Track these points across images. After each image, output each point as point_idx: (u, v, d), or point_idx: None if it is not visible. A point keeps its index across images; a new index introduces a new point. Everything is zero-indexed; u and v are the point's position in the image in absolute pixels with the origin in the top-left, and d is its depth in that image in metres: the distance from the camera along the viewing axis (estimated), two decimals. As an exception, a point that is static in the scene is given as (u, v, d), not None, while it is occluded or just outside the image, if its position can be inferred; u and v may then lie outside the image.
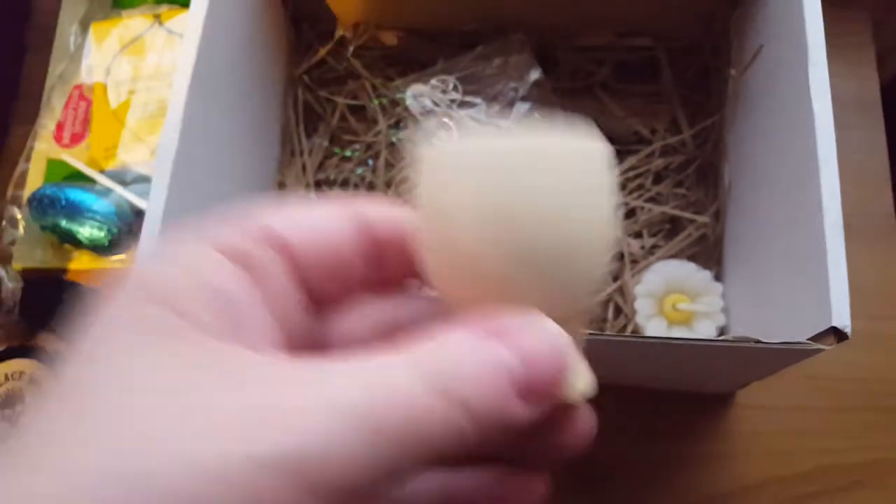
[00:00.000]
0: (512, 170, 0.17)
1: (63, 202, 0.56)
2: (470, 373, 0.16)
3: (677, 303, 0.49)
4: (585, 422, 0.20)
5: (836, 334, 0.33)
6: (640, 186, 0.55)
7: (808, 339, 0.33)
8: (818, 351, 0.33)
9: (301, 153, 0.58)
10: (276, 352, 0.18)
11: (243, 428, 0.14)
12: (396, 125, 0.59)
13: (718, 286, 0.49)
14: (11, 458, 0.14)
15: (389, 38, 0.59)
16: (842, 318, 0.33)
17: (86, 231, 0.56)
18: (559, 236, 0.18)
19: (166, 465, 0.13)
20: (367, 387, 0.15)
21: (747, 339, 0.34)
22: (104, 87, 0.62)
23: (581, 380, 0.19)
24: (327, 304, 0.21)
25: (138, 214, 0.57)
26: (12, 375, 0.48)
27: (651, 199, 0.55)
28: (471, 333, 0.17)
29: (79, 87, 0.63)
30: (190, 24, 0.42)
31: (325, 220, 0.20)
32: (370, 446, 0.14)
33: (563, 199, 0.18)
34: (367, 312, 0.22)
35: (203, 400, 0.14)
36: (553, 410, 0.18)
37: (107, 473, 0.13)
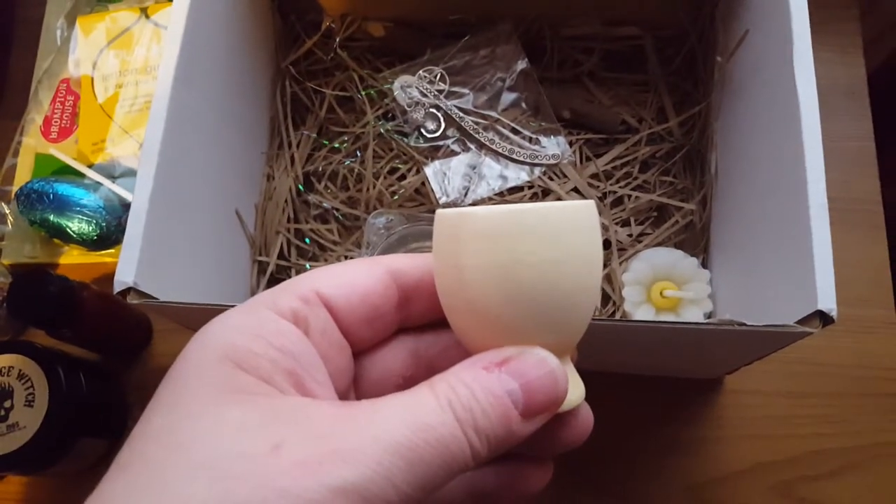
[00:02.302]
0: (513, 234, 0.21)
1: (51, 197, 0.56)
2: (483, 405, 0.20)
3: (665, 290, 0.49)
4: (584, 419, 0.24)
5: (822, 318, 0.33)
6: (628, 175, 0.56)
7: (794, 323, 0.34)
8: (804, 334, 0.34)
9: (289, 145, 0.58)
10: (332, 397, 0.22)
11: (317, 465, 0.18)
12: (384, 116, 0.59)
13: (706, 273, 0.50)
14: (122, 488, 0.18)
15: (376, 29, 0.59)
16: (827, 301, 0.33)
17: (74, 226, 0.56)
18: (556, 286, 0.21)
19: (260, 494, 0.17)
20: (410, 426, 0.19)
21: (733, 322, 0.34)
22: (91, 81, 0.62)
23: (575, 391, 0.22)
24: (365, 346, 0.25)
25: (127, 208, 0.57)
26: (1, 371, 0.48)
27: (638, 188, 0.55)
28: (483, 369, 0.21)
29: (66, 80, 0.63)
30: (174, 16, 0.42)
31: (360, 277, 0.24)
32: (415, 474, 0.18)
33: (558, 254, 0.21)
34: (395, 353, 0.25)
35: (280, 442, 0.18)
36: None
37: (201, 498, 0.17)
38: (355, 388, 0.25)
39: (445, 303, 0.23)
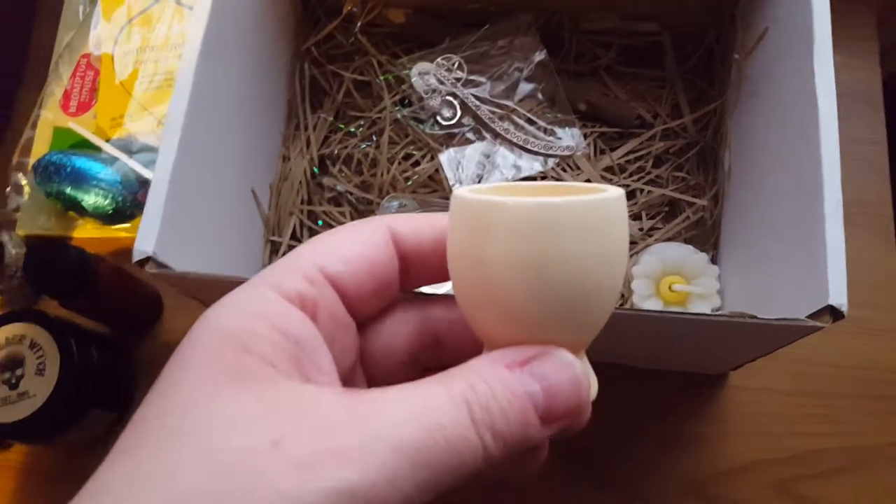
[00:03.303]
0: (545, 229, 0.19)
1: (68, 170, 0.56)
2: (503, 405, 0.19)
3: (674, 284, 0.49)
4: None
5: (833, 313, 0.34)
6: (641, 169, 0.56)
7: (805, 317, 0.34)
8: (814, 329, 0.34)
9: (306, 127, 0.59)
10: (336, 382, 0.21)
11: (318, 465, 0.17)
12: (401, 102, 0.59)
13: (715, 268, 0.50)
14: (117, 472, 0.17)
15: (397, 16, 0.60)
16: (838, 296, 0.33)
17: (90, 199, 0.56)
18: (584, 283, 0.20)
19: (257, 494, 0.16)
20: (419, 425, 0.18)
21: (744, 315, 0.34)
22: (111, 59, 0.62)
23: (591, 387, 0.21)
24: (370, 316, 0.24)
25: (143, 184, 0.58)
26: (13, 339, 0.48)
27: (651, 182, 0.56)
28: (503, 366, 0.19)
29: (87, 55, 0.63)
30: (201, -8, 0.42)
31: (365, 248, 0.23)
32: (421, 477, 0.17)
33: (589, 249, 0.20)
34: (400, 325, 0.24)
35: (280, 437, 0.17)
36: None
37: (197, 494, 0.16)
38: (361, 364, 0.24)
39: (462, 292, 0.21)
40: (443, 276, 0.23)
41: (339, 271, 0.22)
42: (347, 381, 0.23)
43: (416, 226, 0.23)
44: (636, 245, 0.53)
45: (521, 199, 0.20)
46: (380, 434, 0.17)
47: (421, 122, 0.58)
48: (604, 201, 0.20)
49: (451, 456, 0.18)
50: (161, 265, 0.37)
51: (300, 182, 0.57)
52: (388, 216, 0.24)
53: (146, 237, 0.37)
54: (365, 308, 0.23)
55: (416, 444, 0.17)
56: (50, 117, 0.62)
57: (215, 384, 0.18)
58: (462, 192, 0.21)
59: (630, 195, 0.56)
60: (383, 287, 0.23)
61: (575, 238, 0.19)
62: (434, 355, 0.25)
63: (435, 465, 0.17)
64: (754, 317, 0.34)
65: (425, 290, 0.26)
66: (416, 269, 0.24)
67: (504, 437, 0.18)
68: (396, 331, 0.24)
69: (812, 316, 0.34)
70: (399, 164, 0.57)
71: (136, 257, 0.37)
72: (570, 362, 0.20)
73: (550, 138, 0.57)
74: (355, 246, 0.22)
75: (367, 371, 0.24)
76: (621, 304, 0.51)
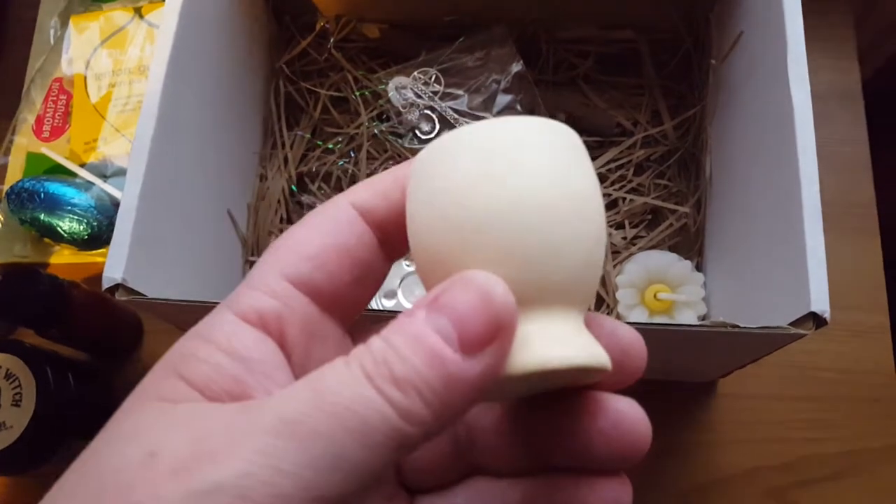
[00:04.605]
0: (453, 153, 0.18)
1: (42, 196, 0.55)
2: (402, 353, 0.16)
3: (659, 292, 0.49)
4: (627, 414, 0.20)
5: (815, 320, 0.33)
6: (622, 178, 0.56)
7: (787, 325, 0.33)
8: (797, 336, 0.34)
9: (283, 145, 0.58)
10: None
11: (187, 470, 0.15)
12: (379, 117, 0.59)
13: (699, 276, 0.49)
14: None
15: (371, 31, 0.59)
16: (820, 303, 0.33)
17: (65, 225, 0.55)
18: (506, 208, 0.17)
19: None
20: (305, 397, 0.16)
21: (726, 324, 0.34)
22: (84, 79, 0.61)
23: (582, 351, 0.18)
24: (363, 304, 0.22)
25: (118, 208, 0.57)
26: (-10, 370, 0.47)
27: (632, 190, 0.55)
28: (405, 317, 0.17)
29: (59, 80, 0.62)
30: (166, 13, 0.42)
31: (329, 238, 0.20)
32: (312, 453, 0.15)
33: (502, 169, 0.18)
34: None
35: (157, 450, 0.16)
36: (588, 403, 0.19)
37: None
38: None
39: (415, 263, 0.20)
40: None
41: (305, 273, 0.20)
42: None
43: (380, 189, 0.21)
44: (620, 254, 0.53)
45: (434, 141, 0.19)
46: (256, 423, 0.16)
47: (399, 136, 0.57)
48: (516, 121, 0.19)
49: (347, 421, 0.15)
50: (132, 292, 0.37)
51: (279, 201, 0.56)
52: (348, 190, 0.21)
53: (115, 264, 0.36)
54: (351, 298, 0.21)
55: (296, 419, 0.15)
56: (23, 143, 0.61)
57: (137, 410, 0.18)
58: None
59: (612, 204, 0.55)
60: (363, 271, 0.21)
61: (476, 158, 0.18)
62: None
63: (327, 437, 0.15)
64: (737, 326, 0.34)
65: None
66: (399, 232, 0.21)
67: (415, 383, 0.16)
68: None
69: (795, 323, 0.33)
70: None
71: (106, 284, 0.36)
72: (472, 276, 0.17)
73: (530, 149, 0.56)
74: (319, 237, 0.20)
75: None
76: (605, 314, 0.51)
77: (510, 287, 0.17)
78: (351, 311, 0.22)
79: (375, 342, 0.17)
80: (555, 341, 0.18)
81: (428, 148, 0.19)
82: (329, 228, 0.20)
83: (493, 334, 0.16)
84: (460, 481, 0.22)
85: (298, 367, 0.20)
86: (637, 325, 0.36)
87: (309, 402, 0.16)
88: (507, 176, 0.18)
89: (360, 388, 0.16)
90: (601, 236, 0.19)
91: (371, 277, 0.21)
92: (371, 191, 0.21)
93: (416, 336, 0.16)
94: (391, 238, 0.21)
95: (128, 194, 0.38)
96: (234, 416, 0.16)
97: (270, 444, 0.15)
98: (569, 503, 0.20)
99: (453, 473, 0.22)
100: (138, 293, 0.37)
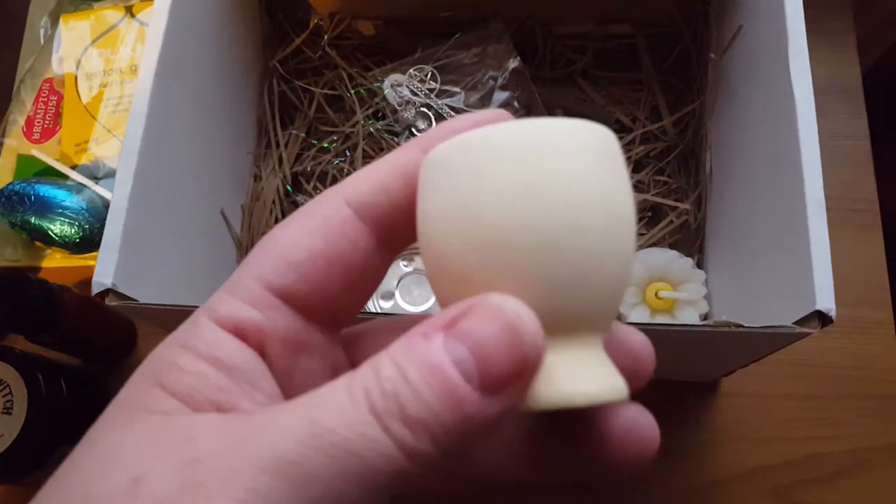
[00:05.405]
0: (476, 161, 0.16)
1: (33, 198, 0.54)
2: (416, 386, 0.15)
3: (660, 291, 0.48)
4: (636, 426, 0.19)
5: (821, 318, 0.32)
6: (622, 174, 0.55)
7: (792, 324, 0.33)
8: (802, 335, 0.33)
9: (277, 145, 0.57)
10: (259, 408, 0.18)
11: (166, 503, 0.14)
12: (374, 115, 0.58)
13: (701, 273, 0.49)
14: None
15: (366, 28, 0.58)
16: (826, 301, 0.32)
17: (56, 228, 0.54)
18: (531, 223, 0.16)
19: None
20: (302, 435, 0.14)
21: (730, 324, 0.33)
22: (74, 79, 0.61)
23: (603, 382, 0.17)
24: (354, 312, 0.20)
25: (111, 210, 0.56)
26: (-19, 377, 0.46)
27: (632, 187, 0.54)
28: (420, 337, 0.15)
29: (49, 80, 0.62)
30: (156, 10, 0.41)
31: (317, 240, 0.18)
32: (307, 496, 0.14)
33: (532, 178, 0.16)
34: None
35: (142, 475, 0.15)
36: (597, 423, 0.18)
37: None
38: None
39: (424, 262, 0.18)
40: None
41: (289, 282, 0.18)
42: None
43: (379, 181, 0.19)
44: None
45: (445, 143, 0.17)
46: (251, 456, 0.14)
47: (395, 134, 0.56)
48: (551, 126, 0.16)
49: (349, 463, 0.14)
50: (123, 297, 0.36)
51: (273, 201, 0.56)
52: (343, 183, 0.19)
53: (104, 269, 0.35)
54: (342, 306, 0.19)
55: (295, 458, 0.14)
56: (13, 145, 0.60)
57: (120, 423, 0.17)
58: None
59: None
60: (357, 278, 0.19)
61: (504, 166, 0.16)
62: None
63: (328, 479, 0.14)
64: (741, 325, 0.33)
65: None
66: (402, 228, 0.19)
67: (427, 424, 0.14)
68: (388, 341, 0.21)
69: (800, 322, 0.33)
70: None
71: (96, 289, 0.35)
72: (500, 305, 0.15)
73: (528, 146, 0.56)
74: (307, 241, 0.18)
75: None
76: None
77: (534, 313, 0.15)
78: (342, 318, 0.20)
79: (385, 367, 0.15)
80: (578, 376, 0.16)
81: (448, 146, 0.17)
82: (320, 231, 0.18)
83: (517, 375, 0.15)
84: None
85: (282, 378, 0.18)
86: (640, 326, 0.35)
87: (306, 440, 0.14)
88: (541, 190, 0.16)
89: (365, 427, 0.14)
90: (633, 257, 0.18)
91: (367, 281, 0.20)
92: (368, 183, 0.19)
93: (433, 366, 0.15)
94: (393, 235, 0.19)
95: (117, 197, 0.37)
96: (224, 441, 0.15)
97: (265, 485, 0.14)
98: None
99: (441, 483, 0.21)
100: (129, 298, 0.36)
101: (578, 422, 0.19)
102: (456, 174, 0.17)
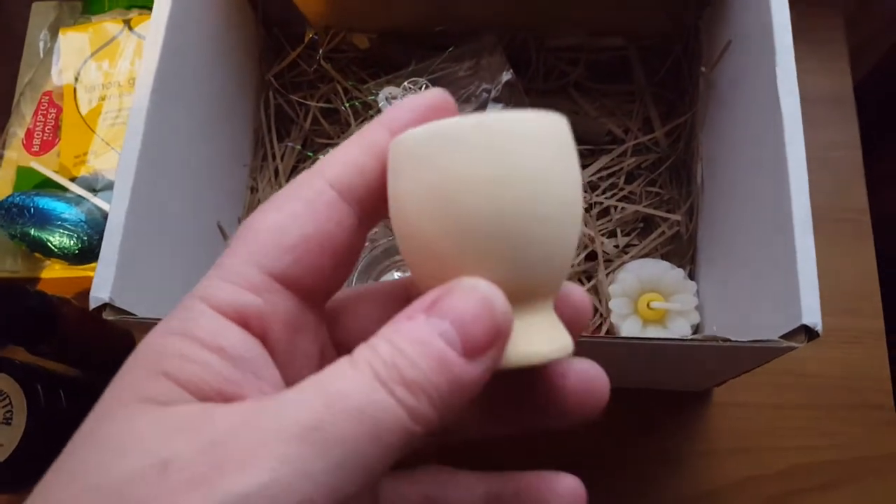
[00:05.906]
0: (447, 149, 0.18)
1: (32, 211, 0.55)
2: (411, 355, 0.17)
3: (652, 301, 0.49)
4: (587, 376, 0.22)
5: (807, 332, 0.33)
6: (613, 185, 0.55)
7: (779, 338, 0.33)
8: (789, 349, 0.33)
9: (273, 157, 0.58)
10: (267, 394, 0.19)
11: (208, 480, 0.15)
12: (369, 128, 0.58)
13: (692, 284, 0.49)
14: None
15: (361, 41, 0.59)
16: (812, 315, 0.33)
17: (56, 239, 0.55)
18: (502, 209, 0.18)
19: None
20: (319, 403, 0.16)
21: (717, 338, 0.34)
22: (73, 90, 0.61)
23: (554, 343, 0.19)
24: (336, 287, 0.22)
25: (109, 222, 0.56)
26: (-20, 388, 0.47)
27: (624, 198, 0.55)
28: (406, 319, 0.18)
29: (48, 93, 0.62)
30: (153, 25, 0.42)
31: (309, 223, 0.19)
32: (334, 459, 0.15)
33: (502, 171, 0.18)
34: (370, 310, 0.23)
35: (170, 458, 0.15)
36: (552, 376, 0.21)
37: None
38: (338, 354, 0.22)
39: (399, 244, 0.20)
40: None
41: (286, 266, 0.19)
42: None
43: (353, 162, 0.20)
44: (612, 263, 0.53)
45: (417, 128, 0.19)
46: (277, 429, 0.16)
47: (390, 146, 0.57)
48: (519, 118, 0.18)
49: (363, 425, 0.16)
50: (120, 311, 0.36)
51: (270, 213, 0.56)
52: (318, 166, 0.20)
53: (102, 284, 0.36)
54: (331, 284, 0.21)
55: (316, 424, 0.16)
56: (13, 157, 0.60)
57: (122, 412, 0.17)
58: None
59: (604, 212, 0.55)
60: (343, 257, 0.20)
61: (481, 157, 0.18)
62: None
63: (348, 440, 0.16)
64: (728, 340, 0.33)
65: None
66: (378, 202, 0.21)
67: (423, 386, 0.17)
68: (367, 315, 0.23)
69: (786, 336, 0.33)
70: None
71: (93, 304, 0.36)
72: (473, 285, 0.18)
73: (522, 158, 0.56)
74: (298, 227, 0.19)
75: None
76: (599, 325, 0.51)
77: (501, 288, 0.18)
78: (328, 295, 0.21)
79: (382, 345, 0.17)
80: (536, 339, 0.19)
81: (420, 133, 0.19)
82: (308, 216, 0.20)
83: (493, 340, 0.18)
84: (419, 464, 0.23)
85: (283, 363, 0.19)
86: (631, 340, 0.36)
87: (323, 407, 0.16)
88: (508, 184, 0.18)
89: (372, 391, 0.16)
90: (580, 231, 0.21)
91: (352, 256, 0.21)
92: (345, 165, 0.20)
93: (423, 341, 0.17)
94: (370, 212, 0.21)
95: (115, 211, 0.37)
96: (241, 420, 0.16)
97: (293, 451, 0.15)
98: (529, 495, 0.22)
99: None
100: (127, 312, 0.36)
101: (540, 377, 0.22)
102: (428, 159, 0.18)
